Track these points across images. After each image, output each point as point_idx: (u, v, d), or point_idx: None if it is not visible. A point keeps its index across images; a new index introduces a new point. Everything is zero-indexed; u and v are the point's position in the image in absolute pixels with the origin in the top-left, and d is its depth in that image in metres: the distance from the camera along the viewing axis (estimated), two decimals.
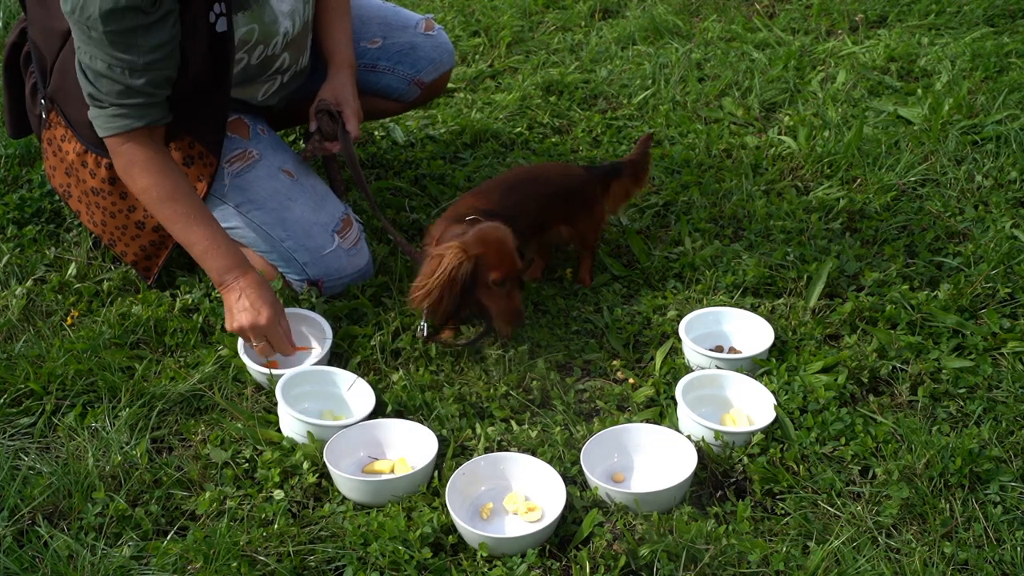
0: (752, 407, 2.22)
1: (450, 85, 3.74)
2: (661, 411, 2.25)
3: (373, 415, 2.21)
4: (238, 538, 1.90)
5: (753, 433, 2.11)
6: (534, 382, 2.32)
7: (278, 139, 2.71)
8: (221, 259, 2.36)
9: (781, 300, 2.56)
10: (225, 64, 2.37)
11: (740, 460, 2.09)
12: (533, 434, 2.15)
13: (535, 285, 2.62)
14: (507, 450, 2.13)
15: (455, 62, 3.07)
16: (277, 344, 2.34)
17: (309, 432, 2.13)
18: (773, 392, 2.22)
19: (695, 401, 2.20)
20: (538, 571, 1.87)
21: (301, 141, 3.39)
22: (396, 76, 2.94)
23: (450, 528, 1.93)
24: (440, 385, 2.30)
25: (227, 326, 2.36)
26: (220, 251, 2.36)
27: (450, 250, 2.22)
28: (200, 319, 2.49)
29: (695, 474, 2.02)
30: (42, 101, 2.57)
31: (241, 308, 2.32)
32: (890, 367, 2.33)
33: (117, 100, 2.26)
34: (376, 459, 2.13)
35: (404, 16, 3.00)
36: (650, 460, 2.10)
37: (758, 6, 4.29)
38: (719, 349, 2.40)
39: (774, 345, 2.36)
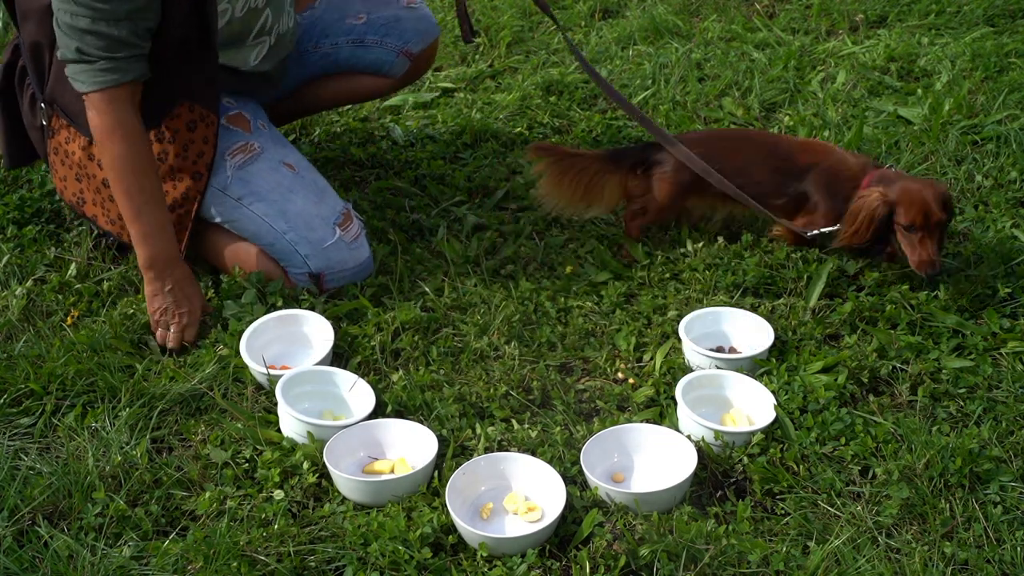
0: (752, 407, 2.22)
1: (450, 85, 3.74)
2: (661, 411, 2.25)
3: (373, 415, 2.21)
4: (238, 538, 1.90)
5: (753, 433, 2.11)
6: (534, 382, 2.32)
7: (278, 134, 2.73)
8: (164, 245, 2.41)
9: (781, 300, 2.56)
10: (208, 10, 2.37)
11: (740, 460, 2.09)
12: (533, 434, 2.15)
13: (534, 285, 2.62)
14: (507, 450, 2.13)
15: (440, 33, 3.09)
16: (190, 337, 2.43)
17: (309, 432, 2.13)
18: (773, 392, 2.22)
19: (695, 401, 2.20)
20: (538, 571, 1.87)
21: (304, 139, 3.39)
22: (384, 48, 2.96)
23: (450, 528, 1.93)
24: (440, 385, 2.30)
25: (151, 308, 2.42)
26: (166, 237, 2.42)
27: (872, 194, 2.47)
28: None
29: (695, 474, 2.02)
30: (41, 106, 2.57)
31: (173, 298, 2.41)
32: (890, 367, 2.33)
33: (106, 54, 2.26)
34: (376, 459, 2.13)
35: None
36: (650, 460, 2.10)
37: (758, 6, 4.29)
38: (719, 349, 2.40)
39: (774, 345, 2.36)
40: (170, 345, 2.43)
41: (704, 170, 2.61)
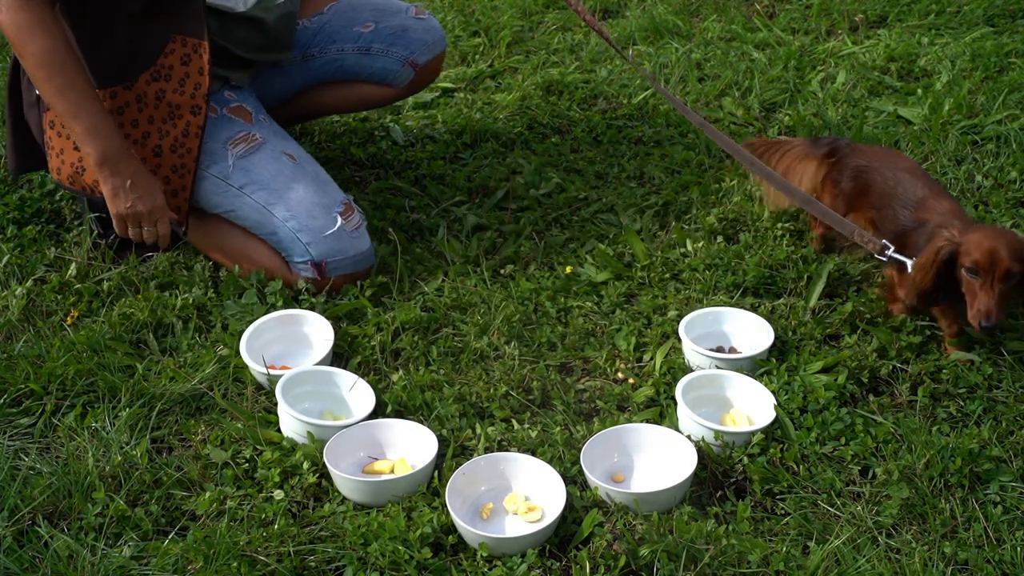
0: (752, 407, 2.22)
1: (450, 85, 3.74)
2: (661, 411, 2.25)
3: (373, 415, 2.21)
4: (238, 538, 1.91)
5: (753, 433, 2.11)
6: (534, 382, 2.32)
7: (280, 128, 2.74)
8: (112, 138, 2.41)
9: (781, 300, 2.56)
10: None
11: (740, 460, 2.09)
12: (533, 434, 2.15)
13: (534, 285, 2.62)
14: (507, 450, 2.13)
15: (447, 47, 3.09)
16: (164, 229, 2.47)
17: (309, 432, 2.13)
18: (773, 392, 2.22)
19: (695, 401, 2.20)
20: (538, 571, 1.87)
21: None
22: (390, 58, 2.97)
23: (450, 528, 1.93)
24: (440, 385, 2.30)
25: (115, 209, 2.43)
26: (111, 130, 2.41)
27: (941, 235, 2.27)
28: (198, 319, 2.50)
29: (695, 474, 2.02)
30: None
31: (136, 193, 2.41)
32: (890, 367, 2.33)
33: None
34: (376, 459, 2.13)
35: (395, 3, 3.05)
36: (650, 460, 2.10)
37: (758, 6, 4.29)
38: (719, 349, 2.40)
39: (774, 345, 2.36)
40: (148, 240, 2.46)
41: (784, 186, 2.58)
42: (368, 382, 2.27)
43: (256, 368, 2.31)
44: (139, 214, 2.44)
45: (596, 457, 2.07)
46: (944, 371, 2.30)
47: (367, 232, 2.64)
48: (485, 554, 1.89)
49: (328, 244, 2.54)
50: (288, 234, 2.55)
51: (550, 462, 2.05)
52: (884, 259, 2.39)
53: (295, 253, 2.56)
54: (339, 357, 2.43)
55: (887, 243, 2.38)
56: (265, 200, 2.55)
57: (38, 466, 2.09)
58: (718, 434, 2.11)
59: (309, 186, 2.58)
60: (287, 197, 2.55)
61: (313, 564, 1.89)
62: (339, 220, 2.55)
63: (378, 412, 2.23)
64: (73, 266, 2.69)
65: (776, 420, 2.15)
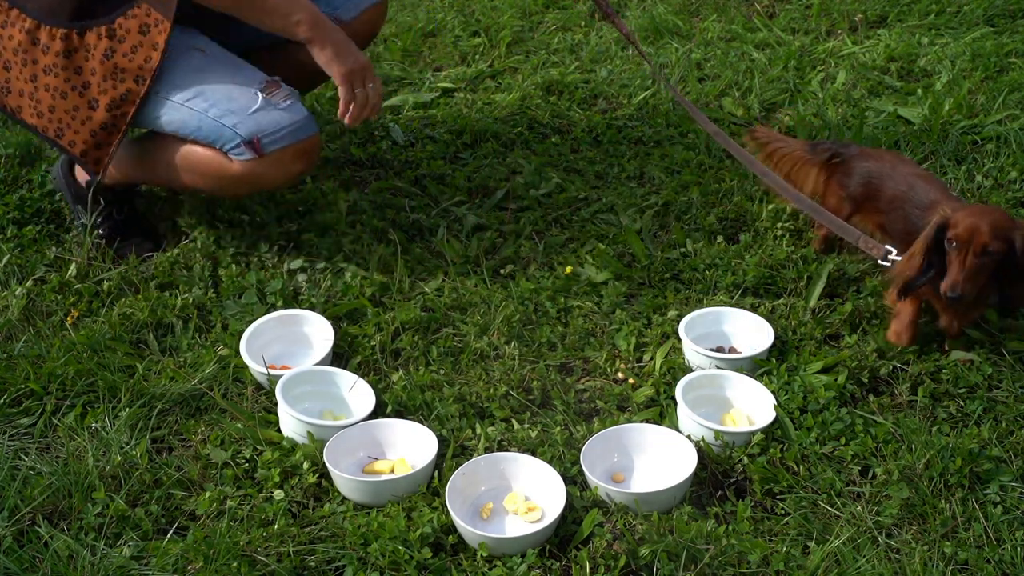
0: (752, 407, 2.22)
1: (450, 85, 3.74)
2: (661, 411, 2.25)
3: (373, 415, 2.21)
4: (238, 538, 1.91)
5: (753, 433, 2.11)
6: (534, 382, 2.32)
7: (188, 29, 2.62)
8: (312, 3, 2.41)
9: (781, 300, 2.56)
10: None
11: (740, 460, 2.09)
12: (533, 434, 2.15)
13: (534, 285, 2.62)
14: (507, 450, 2.13)
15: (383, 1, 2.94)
16: (380, 86, 2.49)
17: (309, 432, 2.13)
18: (773, 392, 2.22)
19: (695, 401, 2.20)
20: (538, 571, 1.87)
21: None
22: None
23: (450, 528, 1.93)
24: (440, 385, 2.30)
25: (344, 67, 2.43)
26: None
27: (935, 215, 2.28)
28: (198, 319, 2.50)
29: (695, 474, 2.02)
30: None
31: (355, 48, 2.44)
32: (890, 367, 2.33)
33: None
34: (376, 459, 2.13)
35: None
36: (650, 460, 2.10)
37: (758, 6, 4.29)
38: (719, 349, 2.40)
39: (774, 345, 2.36)
40: (373, 100, 2.47)
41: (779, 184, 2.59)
42: (368, 382, 2.27)
43: (256, 368, 2.31)
44: (365, 67, 2.43)
45: (596, 457, 2.07)
46: (944, 371, 2.30)
47: (301, 103, 2.55)
48: (485, 554, 1.89)
49: (256, 120, 2.47)
50: (212, 124, 2.48)
51: (550, 462, 2.05)
52: (887, 264, 2.38)
53: (226, 140, 2.49)
54: (339, 357, 2.43)
55: (890, 248, 2.38)
56: (182, 98, 2.49)
57: (38, 466, 2.09)
58: (718, 434, 2.11)
59: (223, 72, 2.51)
60: (201, 89, 2.48)
61: (313, 564, 1.89)
62: (260, 96, 2.47)
63: (378, 412, 2.23)
64: (73, 266, 2.69)
65: (776, 420, 2.15)
